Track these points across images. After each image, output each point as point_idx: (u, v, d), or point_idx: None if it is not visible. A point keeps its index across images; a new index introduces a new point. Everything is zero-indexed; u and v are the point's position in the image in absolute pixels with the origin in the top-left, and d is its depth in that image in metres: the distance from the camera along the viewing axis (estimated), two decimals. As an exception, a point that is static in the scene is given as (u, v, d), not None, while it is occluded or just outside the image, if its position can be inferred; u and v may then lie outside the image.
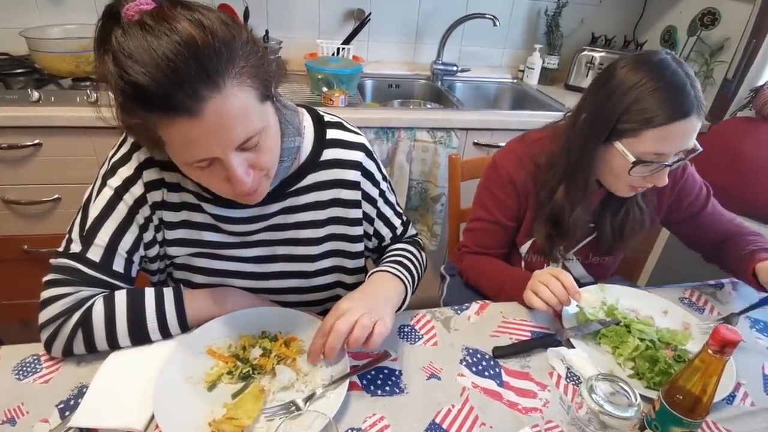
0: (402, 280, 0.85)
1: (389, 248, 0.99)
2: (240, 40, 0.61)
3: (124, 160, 0.78)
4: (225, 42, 0.58)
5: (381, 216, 0.94)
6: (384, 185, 0.94)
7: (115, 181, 0.77)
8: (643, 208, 1.06)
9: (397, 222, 0.99)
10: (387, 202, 0.95)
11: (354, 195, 0.89)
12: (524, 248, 1.13)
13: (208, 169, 0.65)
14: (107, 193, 0.77)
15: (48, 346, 0.75)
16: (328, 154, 0.86)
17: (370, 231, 0.94)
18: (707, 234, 1.11)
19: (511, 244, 1.15)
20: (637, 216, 1.06)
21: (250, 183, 0.67)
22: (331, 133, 0.87)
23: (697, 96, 0.86)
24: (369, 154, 0.90)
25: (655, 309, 0.98)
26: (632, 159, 0.89)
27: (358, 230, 0.92)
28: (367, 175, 0.90)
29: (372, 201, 0.92)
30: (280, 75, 0.71)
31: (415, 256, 0.96)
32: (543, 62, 2.20)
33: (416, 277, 0.93)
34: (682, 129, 0.87)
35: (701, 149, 0.92)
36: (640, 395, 0.66)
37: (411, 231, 1.04)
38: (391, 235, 0.98)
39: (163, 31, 0.56)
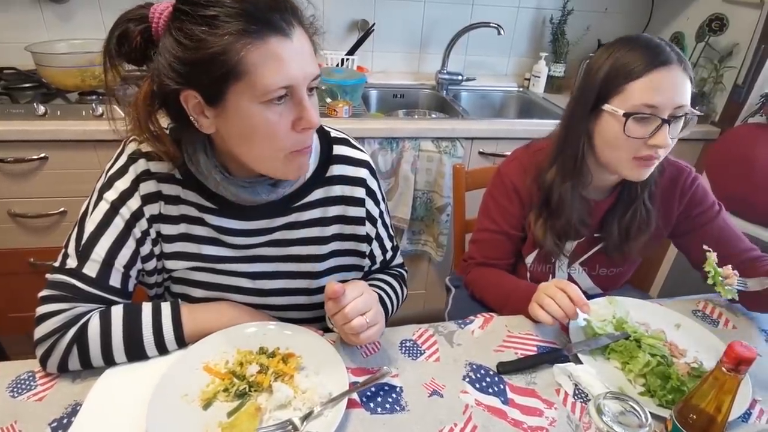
0: None
1: (373, 276, 0.98)
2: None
3: (121, 173, 0.78)
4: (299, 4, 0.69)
5: (378, 237, 0.93)
6: (383, 206, 0.94)
7: (111, 195, 0.77)
8: (649, 208, 1.03)
9: (388, 245, 0.98)
10: (384, 223, 0.95)
11: (359, 212, 0.88)
12: (530, 258, 1.11)
13: (278, 109, 0.67)
14: (103, 207, 0.77)
15: (43, 362, 0.74)
16: (335, 170, 0.86)
17: (367, 251, 0.93)
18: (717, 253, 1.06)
19: (517, 254, 1.13)
20: (644, 216, 1.03)
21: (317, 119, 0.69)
22: (338, 149, 0.87)
23: (676, 51, 0.87)
24: (372, 173, 0.90)
25: (666, 322, 0.95)
26: (622, 112, 0.88)
27: (364, 247, 0.91)
28: (371, 193, 0.89)
29: (373, 221, 0.91)
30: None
31: (395, 291, 0.96)
32: (549, 70, 2.19)
33: (389, 314, 0.92)
34: (667, 77, 0.86)
35: (701, 113, 0.91)
36: (652, 414, 0.63)
37: (398, 259, 1.04)
38: (381, 258, 0.97)
39: None
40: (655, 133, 0.87)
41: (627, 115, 0.87)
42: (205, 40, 0.62)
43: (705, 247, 0.86)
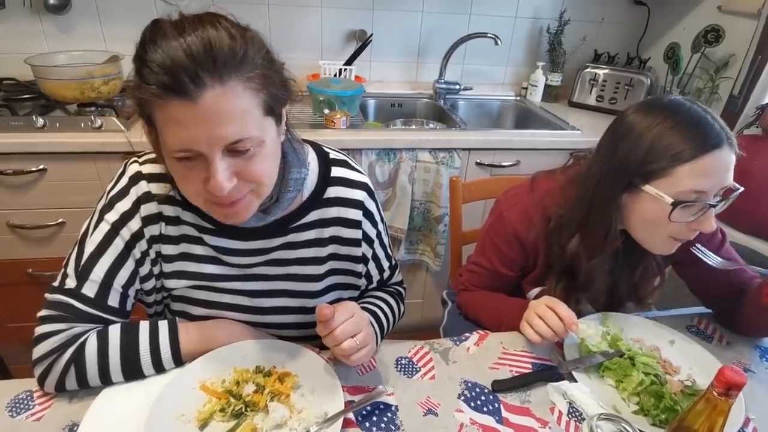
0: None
1: (370, 294, 0.98)
2: (255, 48, 0.63)
3: (122, 194, 0.78)
4: (239, 45, 0.61)
5: (375, 257, 0.94)
6: (381, 226, 0.94)
7: (112, 216, 0.77)
8: (660, 263, 1.00)
9: (386, 264, 0.98)
10: (382, 243, 0.95)
11: (355, 234, 0.89)
12: (532, 294, 1.08)
13: (189, 164, 0.64)
14: (104, 227, 0.77)
15: (41, 381, 0.75)
16: (332, 192, 0.86)
17: (363, 271, 0.93)
18: (720, 283, 0.99)
19: (515, 288, 1.10)
20: (654, 272, 1.00)
21: (228, 190, 0.64)
22: (336, 171, 0.87)
23: (722, 127, 0.81)
24: (371, 194, 0.90)
25: (661, 338, 0.95)
26: (670, 200, 0.81)
27: (360, 267, 0.92)
28: (368, 214, 0.89)
29: (369, 241, 0.91)
30: (288, 96, 0.71)
31: (391, 309, 0.96)
32: (546, 79, 2.19)
33: (385, 332, 0.92)
34: (718, 161, 0.79)
35: (742, 189, 0.83)
36: (645, 434, 0.64)
37: (397, 277, 1.04)
38: (378, 277, 0.97)
39: (190, 25, 0.60)
40: (699, 217, 0.82)
41: (675, 204, 0.80)
42: (135, 84, 0.62)
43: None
